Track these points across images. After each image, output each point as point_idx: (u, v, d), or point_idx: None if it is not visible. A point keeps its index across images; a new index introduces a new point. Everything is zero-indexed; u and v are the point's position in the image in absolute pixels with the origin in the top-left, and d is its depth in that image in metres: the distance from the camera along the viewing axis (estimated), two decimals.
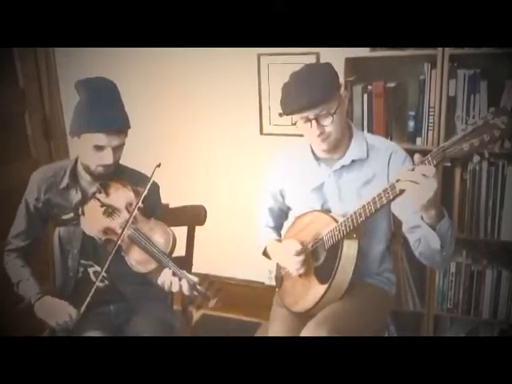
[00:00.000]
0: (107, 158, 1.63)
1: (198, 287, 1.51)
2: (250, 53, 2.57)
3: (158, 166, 1.64)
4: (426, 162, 1.34)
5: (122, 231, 1.63)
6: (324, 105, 1.60)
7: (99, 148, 1.62)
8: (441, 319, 2.39)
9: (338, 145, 1.72)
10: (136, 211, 1.65)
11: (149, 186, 1.66)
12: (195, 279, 1.53)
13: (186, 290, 1.52)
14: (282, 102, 1.67)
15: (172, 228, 1.83)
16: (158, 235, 1.67)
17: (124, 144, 1.69)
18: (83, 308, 1.63)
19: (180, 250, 1.96)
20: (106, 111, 1.60)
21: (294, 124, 1.68)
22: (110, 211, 1.69)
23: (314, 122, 1.61)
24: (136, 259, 1.66)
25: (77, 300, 1.67)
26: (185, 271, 1.57)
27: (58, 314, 1.64)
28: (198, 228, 2.05)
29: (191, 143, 2.88)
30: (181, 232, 2.01)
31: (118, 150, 1.65)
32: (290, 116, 1.68)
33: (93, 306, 1.68)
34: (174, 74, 2.82)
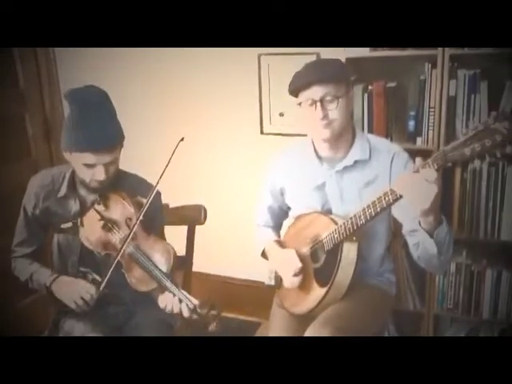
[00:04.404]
0: (99, 174, 1.59)
1: (199, 310, 1.49)
2: (250, 53, 2.57)
3: (182, 139, 1.57)
4: (427, 166, 1.33)
5: (121, 248, 1.59)
6: (331, 84, 1.60)
7: (90, 165, 1.58)
8: (441, 319, 2.39)
9: (340, 143, 1.71)
10: (136, 226, 1.60)
11: (153, 194, 1.61)
12: (195, 302, 1.51)
13: (185, 313, 1.50)
14: (291, 83, 1.68)
15: (172, 227, 1.83)
16: (158, 253, 1.64)
17: (118, 158, 1.64)
18: (102, 286, 1.60)
19: (180, 250, 1.97)
20: (94, 129, 1.54)
21: (299, 104, 1.67)
22: (109, 226, 1.66)
23: (318, 104, 1.61)
24: (136, 277, 1.63)
25: None
26: (186, 292, 1.54)
27: (76, 292, 1.62)
28: (198, 227, 2.05)
29: (192, 143, 2.86)
30: (181, 231, 2.01)
31: (110, 165, 1.61)
32: (294, 111, 1.69)
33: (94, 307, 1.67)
34: (174, 74, 2.82)
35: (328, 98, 1.61)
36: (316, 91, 1.60)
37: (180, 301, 1.52)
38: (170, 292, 1.55)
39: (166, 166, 1.59)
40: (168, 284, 1.56)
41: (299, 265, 1.71)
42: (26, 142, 2.93)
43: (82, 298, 1.61)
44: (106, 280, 1.59)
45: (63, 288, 1.67)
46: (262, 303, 2.35)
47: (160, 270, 1.59)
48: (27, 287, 1.78)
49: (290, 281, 1.74)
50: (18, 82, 2.86)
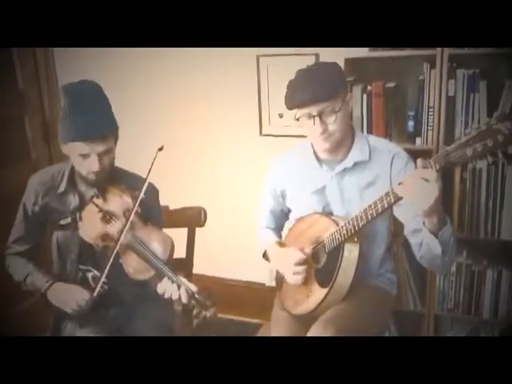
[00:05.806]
0: (93, 165, 1.61)
1: (197, 296, 1.50)
2: (249, 53, 2.58)
3: (160, 149, 1.61)
4: (429, 166, 1.33)
5: (119, 237, 1.61)
6: (329, 101, 1.59)
7: (84, 156, 1.60)
8: (441, 319, 2.39)
9: (340, 146, 1.71)
10: (133, 216, 1.63)
11: (145, 187, 1.63)
12: (194, 288, 1.51)
13: (184, 298, 1.51)
14: (287, 97, 1.66)
15: (172, 230, 1.82)
16: (156, 242, 1.65)
17: (113, 149, 1.66)
18: (96, 292, 1.62)
19: (181, 252, 1.96)
20: (86, 118, 1.56)
21: (297, 119, 1.67)
22: (107, 218, 1.67)
23: (317, 118, 1.60)
24: (134, 267, 1.64)
25: None
26: (185, 279, 1.55)
27: (71, 298, 1.66)
28: (198, 229, 2.05)
29: (191, 144, 2.88)
30: (181, 234, 2.01)
31: (105, 155, 1.62)
32: (293, 113, 1.66)
33: (91, 310, 1.67)
34: (173, 75, 2.82)
35: (326, 111, 1.60)
36: (313, 109, 1.60)
37: (178, 287, 1.53)
38: (169, 279, 1.56)
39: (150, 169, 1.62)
40: (166, 270, 1.57)
41: (303, 256, 1.71)
42: (25, 143, 2.92)
43: (77, 304, 1.65)
44: (100, 282, 1.61)
45: (58, 295, 1.69)
46: (262, 305, 2.35)
47: (157, 257, 1.61)
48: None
49: (294, 277, 1.73)
50: (17, 84, 2.85)
